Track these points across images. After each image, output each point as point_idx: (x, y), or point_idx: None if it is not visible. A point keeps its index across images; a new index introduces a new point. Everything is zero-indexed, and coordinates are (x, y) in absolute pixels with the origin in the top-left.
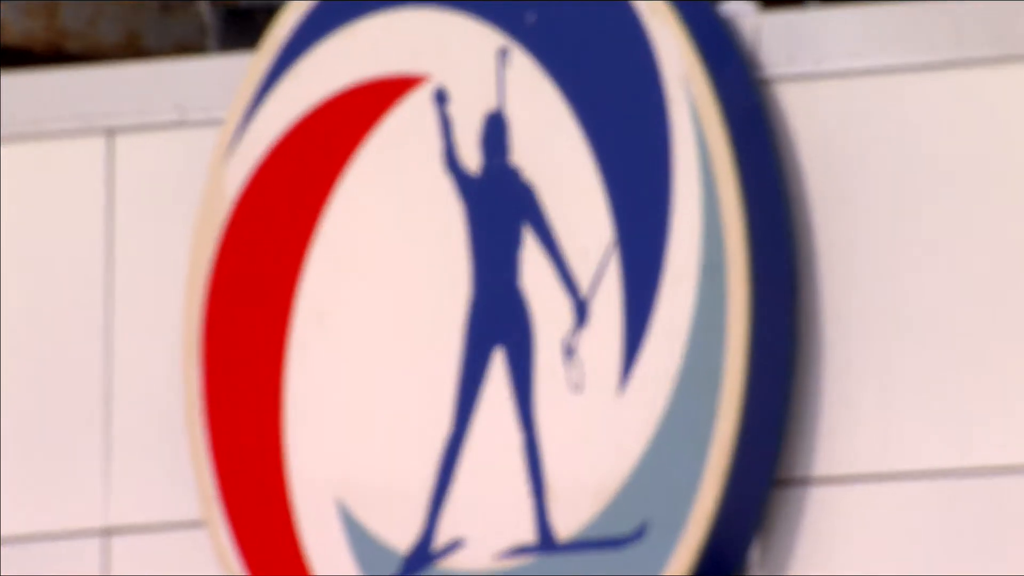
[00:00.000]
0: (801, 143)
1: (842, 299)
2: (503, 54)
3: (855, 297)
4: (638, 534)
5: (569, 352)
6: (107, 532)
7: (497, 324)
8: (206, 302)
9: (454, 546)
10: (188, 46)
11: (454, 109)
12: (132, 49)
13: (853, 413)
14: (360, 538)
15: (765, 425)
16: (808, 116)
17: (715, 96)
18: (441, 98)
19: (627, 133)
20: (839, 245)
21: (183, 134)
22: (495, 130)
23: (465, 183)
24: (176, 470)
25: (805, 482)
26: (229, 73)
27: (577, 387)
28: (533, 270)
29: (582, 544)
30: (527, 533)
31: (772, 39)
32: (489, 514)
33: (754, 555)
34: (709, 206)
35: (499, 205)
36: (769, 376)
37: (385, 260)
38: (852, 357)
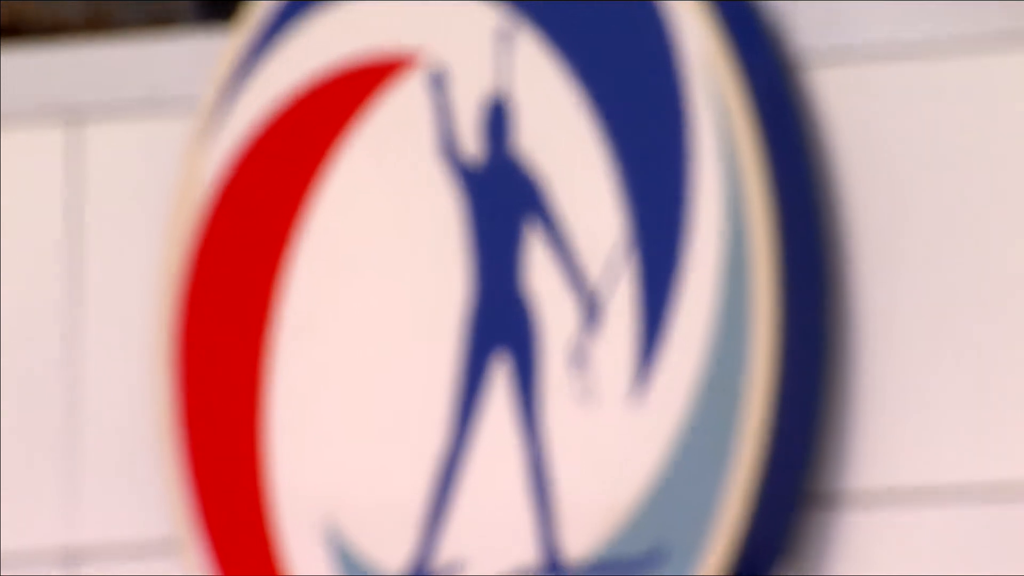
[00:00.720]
0: (837, 132)
1: (882, 299)
2: (506, 32)
3: (896, 297)
4: (653, 557)
5: (577, 359)
6: (71, 553)
7: (498, 329)
8: (180, 304)
9: (452, 568)
10: (162, 22)
11: (452, 92)
12: (99, 25)
13: (892, 423)
14: (349, 559)
15: (793, 438)
16: (845, 102)
17: (740, 80)
18: (438, 81)
19: (642, 120)
20: (879, 242)
21: (155, 119)
22: (496, 116)
23: (463, 174)
24: (147, 486)
25: (837, 499)
26: (207, 51)
27: (586, 397)
28: (538, 270)
29: (591, 567)
30: (531, 554)
31: (805, 17)
32: (490, 534)
33: None
34: (732, 200)
35: (500, 199)
36: (798, 383)
37: (376, 258)
38: (891, 361)
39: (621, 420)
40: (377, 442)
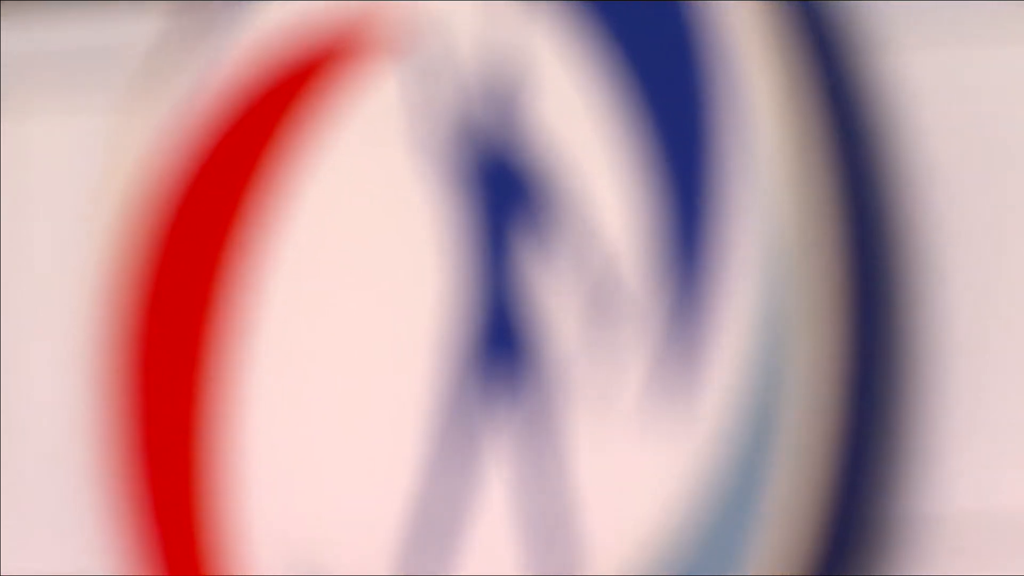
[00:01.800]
0: (908, 121)
1: (971, 306)
2: (515, 15)
3: (989, 305)
4: None
5: (591, 374)
6: None
7: (497, 341)
8: (125, 312)
9: None
10: None
11: (441, 73)
12: None
13: (969, 445)
14: None
15: (849, 461)
16: (936, 86)
17: (796, 63)
18: (422, 59)
19: (677, 107)
20: (968, 242)
21: (87, 97)
22: (493, 101)
23: (452, 168)
24: (80, 519)
25: (896, 526)
26: (146, 22)
27: (600, 416)
28: (542, 275)
29: None
30: None
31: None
32: (484, 569)
33: None
34: (781, 192)
35: (500, 197)
36: (856, 405)
37: (350, 263)
38: (982, 376)
39: (641, 441)
40: (353, 469)
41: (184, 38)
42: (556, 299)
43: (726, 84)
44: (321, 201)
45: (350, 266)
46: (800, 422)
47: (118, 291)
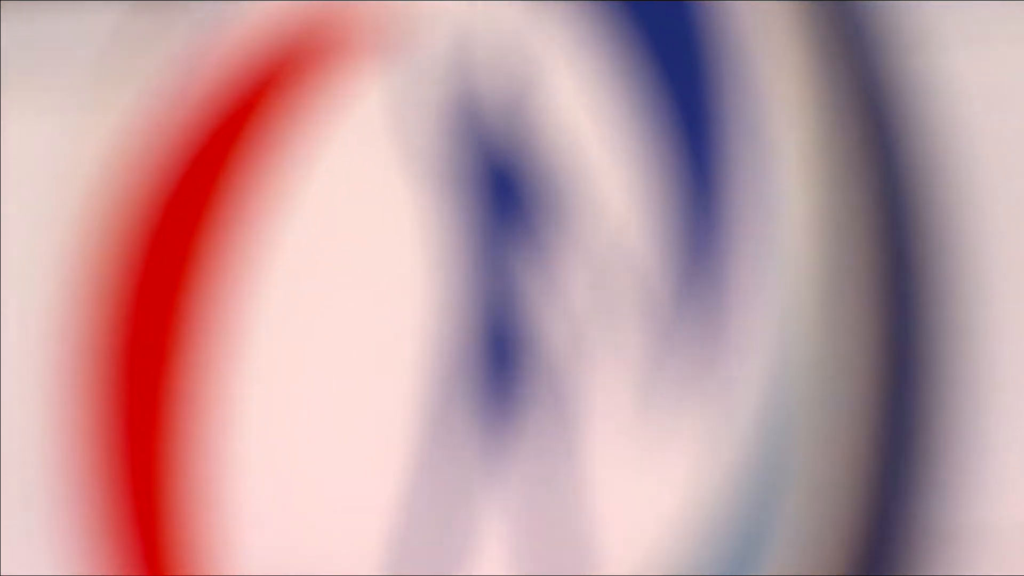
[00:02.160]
0: (952, 122)
1: (1011, 310)
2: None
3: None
4: None
5: (601, 375)
6: None
7: (498, 346)
8: (104, 314)
9: None
10: None
11: (435, 72)
12: None
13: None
14: None
15: (882, 470)
16: (980, 85)
17: (827, 62)
18: (414, 59)
19: (697, 111)
20: (1014, 243)
21: (70, 92)
22: (494, 102)
23: (448, 169)
24: (57, 520)
25: (938, 536)
26: (120, 19)
27: (609, 425)
28: (547, 279)
29: None
30: None
31: None
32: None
33: None
34: (806, 195)
35: (500, 200)
36: (892, 410)
37: (340, 264)
38: (1012, 383)
39: (654, 448)
40: (343, 470)
41: (160, 35)
42: (562, 302)
43: (744, 85)
44: (310, 203)
45: (339, 269)
46: (830, 425)
47: (97, 291)
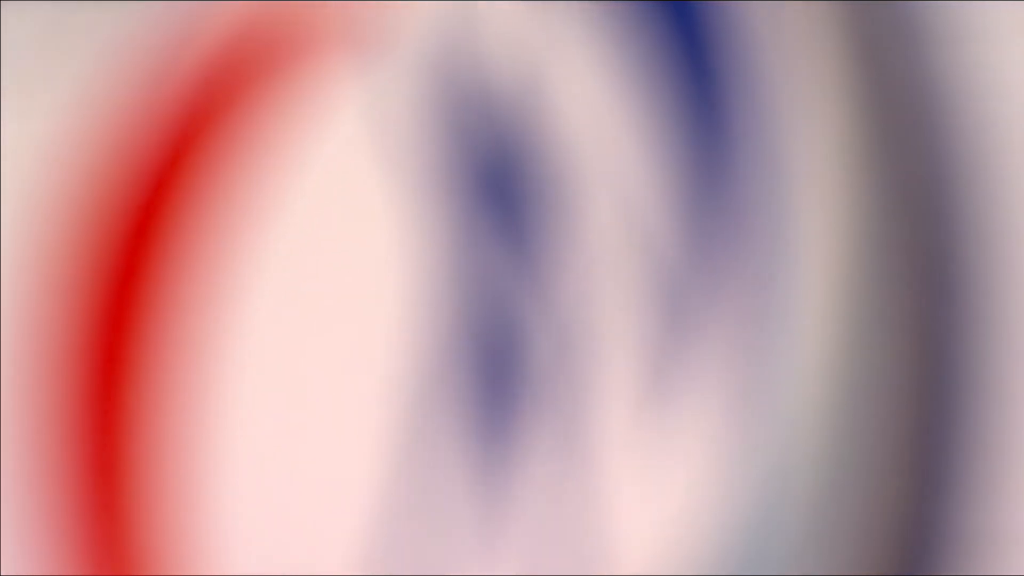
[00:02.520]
0: (990, 117)
1: None
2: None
3: None
4: None
5: (602, 385)
6: None
7: (493, 360)
8: (74, 315)
9: None
10: None
11: (420, 70)
12: None
13: None
14: None
15: (909, 469)
16: (1005, 81)
17: (855, 61)
18: (402, 56)
19: (712, 107)
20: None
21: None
22: (493, 96)
23: (437, 173)
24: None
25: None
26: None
27: (617, 422)
28: (550, 280)
29: None
30: None
31: None
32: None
33: None
34: (832, 195)
35: (497, 199)
36: (916, 396)
37: (323, 273)
38: None
39: (665, 455)
40: (324, 470)
41: (131, 33)
42: (561, 300)
43: (762, 76)
44: (293, 203)
45: (323, 266)
46: (854, 421)
47: (73, 287)
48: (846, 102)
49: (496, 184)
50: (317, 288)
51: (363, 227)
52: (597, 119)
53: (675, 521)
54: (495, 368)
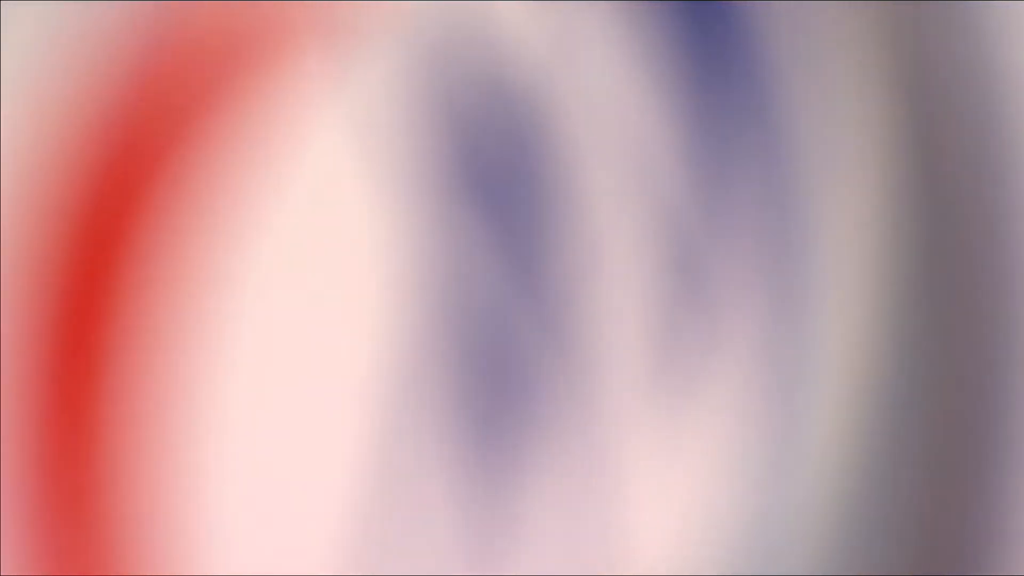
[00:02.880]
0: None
1: None
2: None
3: None
4: None
5: (605, 384)
6: None
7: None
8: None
9: None
10: None
11: (409, 68)
12: None
13: None
14: None
15: (943, 473)
16: None
17: (890, 48)
18: (390, 54)
19: (738, 95)
20: None
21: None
22: (491, 96)
23: (432, 168)
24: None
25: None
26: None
27: (620, 429)
28: (554, 279)
29: None
30: None
31: None
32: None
33: None
34: (866, 195)
35: (496, 197)
36: (950, 399)
37: (306, 278)
38: None
39: (671, 455)
40: (313, 467)
41: (104, 32)
42: (561, 298)
43: (788, 72)
44: (279, 203)
45: (309, 265)
46: (887, 418)
47: (48, 285)
48: (881, 91)
49: (496, 179)
50: (301, 286)
51: (349, 223)
52: (611, 109)
53: (693, 519)
54: (495, 365)
